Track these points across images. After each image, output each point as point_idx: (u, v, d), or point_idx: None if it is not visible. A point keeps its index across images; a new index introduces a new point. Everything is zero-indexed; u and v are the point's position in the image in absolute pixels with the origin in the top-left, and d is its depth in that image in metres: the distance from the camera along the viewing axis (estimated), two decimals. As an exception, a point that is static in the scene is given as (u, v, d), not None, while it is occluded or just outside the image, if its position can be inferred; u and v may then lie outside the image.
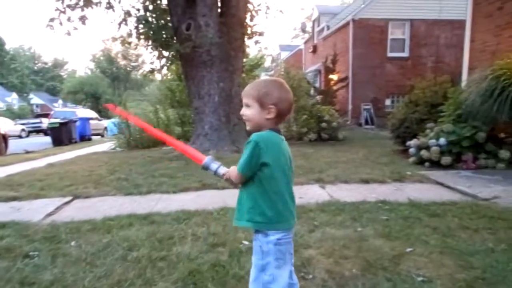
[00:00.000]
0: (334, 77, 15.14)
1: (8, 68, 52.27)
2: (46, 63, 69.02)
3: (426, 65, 14.66)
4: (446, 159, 5.08)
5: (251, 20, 8.82)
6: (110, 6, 7.68)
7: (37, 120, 24.84)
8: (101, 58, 61.41)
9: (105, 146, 10.75)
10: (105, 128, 19.21)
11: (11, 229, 2.95)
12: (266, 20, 13.33)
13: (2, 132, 10.72)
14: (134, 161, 6.67)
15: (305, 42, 24.02)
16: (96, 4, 7.39)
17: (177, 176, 4.99)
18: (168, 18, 7.75)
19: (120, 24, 7.89)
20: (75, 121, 14.24)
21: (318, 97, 11.06)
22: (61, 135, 12.83)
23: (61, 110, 24.75)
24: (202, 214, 3.22)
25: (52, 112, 21.77)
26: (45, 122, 20.57)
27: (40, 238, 2.74)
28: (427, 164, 5.27)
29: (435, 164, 5.20)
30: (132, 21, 7.94)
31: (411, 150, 5.61)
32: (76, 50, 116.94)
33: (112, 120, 12.59)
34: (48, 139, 14.07)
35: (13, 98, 47.82)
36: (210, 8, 7.04)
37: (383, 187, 4.22)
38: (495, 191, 3.80)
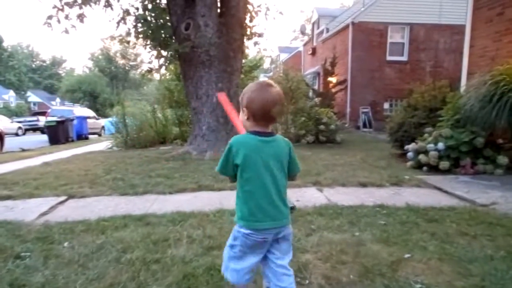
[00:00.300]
0: (333, 79, 15.14)
1: (6, 65, 52.05)
2: (44, 61, 68.83)
3: (424, 70, 14.70)
4: (444, 164, 5.07)
5: (251, 21, 8.79)
6: (108, 5, 7.62)
7: (34, 118, 24.68)
8: (100, 57, 61.26)
9: (102, 145, 10.69)
10: (103, 127, 19.12)
11: (3, 228, 2.91)
12: (265, 21, 13.31)
13: (-2, 129, 10.64)
14: (131, 161, 6.61)
15: (304, 44, 24.02)
16: (95, 2, 7.33)
17: (174, 176, 4.95)
18: (167, 18, 7.70)
19: (118, 22, 7.84)
20: (72, 120, 14.16)
21: (317, 100, 11.03)
22: (58, 133, 12.74)
23: (59, 108, 24.58)
24: (198, 216, 3.18)
25: (49, 110, 21.64)
26: (42, 120, 20.44)
27: (33, 238, 2.69)
28: (425, 168, 5.25)
29: (433, 169, 5.18)
30: (130, 20, 7.90)
31: (409, 154, 5.59)
32: (75, 49, 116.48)
33: (110, 119, 12.50)
34: (44, 137, 13.98)
35: (10, 96, 47.64)
36: (209, 8, 7.00)
37: (381, 191, 4.20)
38: (493, 197, 3.78)
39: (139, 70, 53.27)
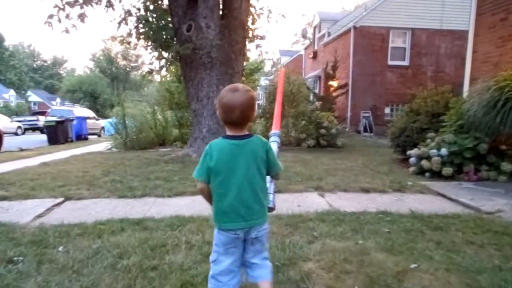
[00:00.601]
0: (334, 83, 15.09)
1: (7, 64, 51.98)
2: (45, 61, 68.84)
3: (426, 74, 14.67)
4: (447, 170, 5.00)
5: (253, 23, 8.73)
6: (110, 5, 7.57)
7: (34, 118, 24.60)
8: (101, 57, 61.28)
9: (101, 146, 10.61)
10: (102, 128, 19.04)
11: (-3, 231, 2.83)
12: (267, 24, 13.26)
13: (-3, 129, 10.56)
14: (130, 163, 6.54)
15: (306, 48, 24.01)
16: (96, 2, 7.28)
17: (173, 179, 4.87)
18: (169, 19, 7.65)
19: (120, 23, 7.78)
20: (72, 120, 14.07)
21: (318, 103, 10.96)
22: (57, 133, 12.65)
23: (59, 108, 24.48)
24: (197, 220, 3.11)
25: (49, 110, 21.56)
26: (41, 120, 20.35)
27: (27, 241, 2.62)
28: (427, 174, 5.18)
29: (436, 175, 5.11)
30: (132, 21, 7.83)
31: (412, 160, 5.52)
32: (76, 49, 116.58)
33: (109, 120, 12.41)
34: (44, 137, 13.89)
35: (10, 95, 47.57)
36: (211, 10, 6.95)
37: (384, 197, 4.12)
38: (498, 204, 3.71)
39: (140, 71, 53.26)
